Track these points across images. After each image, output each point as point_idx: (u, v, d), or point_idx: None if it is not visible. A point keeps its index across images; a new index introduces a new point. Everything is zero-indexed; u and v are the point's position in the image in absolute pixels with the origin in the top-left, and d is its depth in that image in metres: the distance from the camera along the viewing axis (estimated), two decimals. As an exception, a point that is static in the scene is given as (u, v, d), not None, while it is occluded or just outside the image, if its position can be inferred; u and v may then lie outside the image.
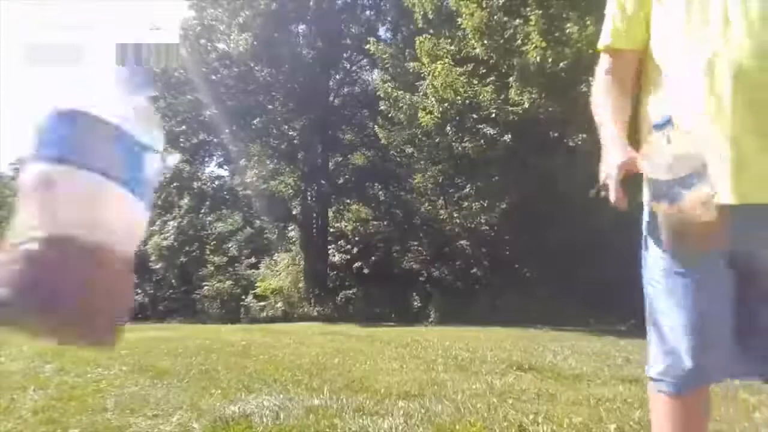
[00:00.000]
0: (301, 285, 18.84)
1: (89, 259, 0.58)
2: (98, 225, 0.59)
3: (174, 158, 19.87)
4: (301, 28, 18.98)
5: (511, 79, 10.61)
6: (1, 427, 2.65)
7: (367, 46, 14.64)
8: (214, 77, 17.76)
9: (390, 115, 14.12)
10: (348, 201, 20.47)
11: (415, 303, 16.35)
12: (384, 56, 14.44)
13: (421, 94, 12.75)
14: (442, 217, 16.17)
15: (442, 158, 12.96)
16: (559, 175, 11.56)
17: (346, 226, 20.93)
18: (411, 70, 13.06)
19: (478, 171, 11.98)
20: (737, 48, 1.07)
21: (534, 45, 9.76)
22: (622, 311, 10.20)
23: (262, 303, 19.08)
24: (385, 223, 20.09)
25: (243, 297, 20.33)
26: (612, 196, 1.23)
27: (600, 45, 1.46)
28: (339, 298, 17.45)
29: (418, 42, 12.35)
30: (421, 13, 13.15)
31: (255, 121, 18.49)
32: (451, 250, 15.31)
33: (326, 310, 16.60)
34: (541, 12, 9.82)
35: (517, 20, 10.44)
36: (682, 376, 1.19)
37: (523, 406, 2.96)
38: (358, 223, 20.85)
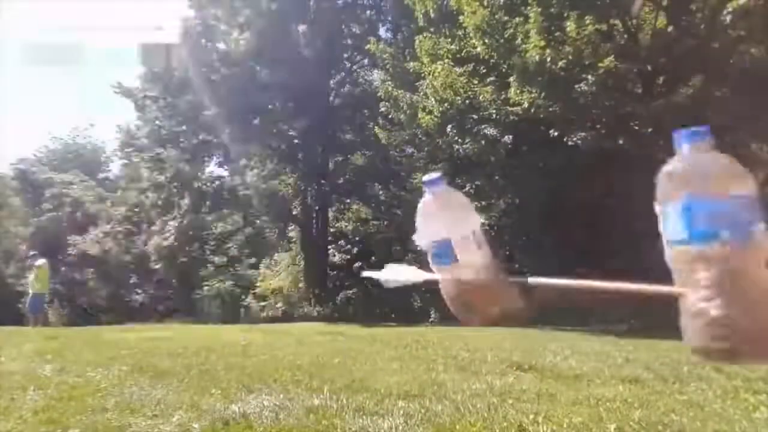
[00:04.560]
0: (301, 285, 18.85)
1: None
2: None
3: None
4: (301, 28, 18.97)
5: (511, 78, 10.62)
6: (1, 427, 2.65)
7: (368, 46, 14.65)
8: (214, 77, 17.76)
9: (390, 116, 14.12)
10: (348, 201, 20.48)
11: (416, 303, 16.35)
12: (384, 56, 14.44)
13: (421, 94, 12.75)
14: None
15: (442, 158, 12.96)
16: (558, 175, 11.58)
17: (346, 226, 20.94)
18: (411, 70, 13.07)
19: (478, 171, 11.99)
20: None
21: (533, 44, 9.76)
22: (622, 311, 10.20)
23: (262, 303, 19.09)
24: (385, 223, 20.09)
25: (243, 297, 20.35)
26: None
27: None
28: (339, 298, 17.47)
29: (418, 41, 12.35)
30: (423, 11, 13.16)
31: (255, 121, 18.49)
32: (451, 250, 15.27)
33: (326, 310, 16.61)
34: (540, 10, 9.82)
35: (517, 18, 10.44)
36: None
37: (523, 406, 2.95)
38: (358, 223, 20.85)
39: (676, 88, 9.51)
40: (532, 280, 0.92)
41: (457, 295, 0.96)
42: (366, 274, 1.34)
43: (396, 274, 1.07)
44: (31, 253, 12.83)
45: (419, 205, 0.96)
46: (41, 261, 11.88)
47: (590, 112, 10.39)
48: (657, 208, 0.71)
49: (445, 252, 0.94)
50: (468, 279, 0.94)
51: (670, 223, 0.69)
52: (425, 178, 0.95)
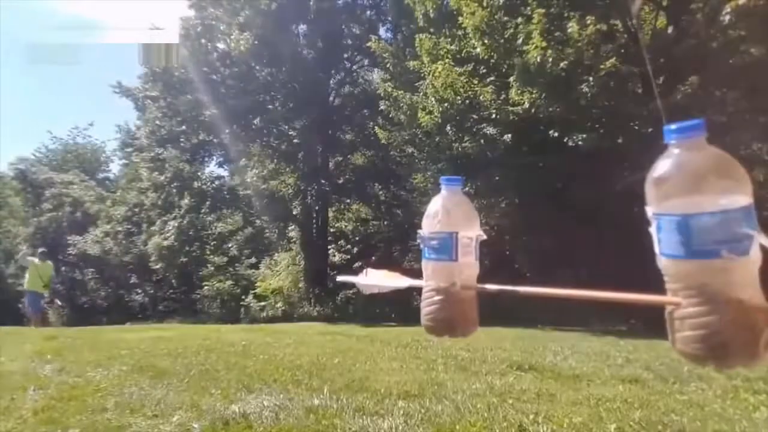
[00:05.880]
0: (301, 285, 18.84)
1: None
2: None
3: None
4: (302, 28, 18.99)
5: (511, 78, 10.62)
6: (1, 426, 2.66)
7: (369, 44, 14.65)
8: (214, 77, 17.76)
9: (390, 115, 14.12)
10: (348, 201, 20.48)
11: (415, 303, 16.32)
12: (385, 54, 14.44)
13: (422, 94, 12.75)
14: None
15: (442, 158, 12.96)
16: (558, 175, 11.58)
17: (346, 226, 20.94)
18: (411, 69, 13.06)
19: (478, 171, 11.99)
20: None
21: (535, 45, 9.77)
22: (622, 311, 10.20)
23: (262, 303, 19.08)
24: (385, 223, 20.09)
25: (243, 297, 20.35)
26: None
27: None
28: (339, 298, 17.46)
29: (418, 41, 12.34)
30: (422, 11, 13.15)
31: (255, 121, 18.49)
32: (451, 250, 15.27)
33: (326, 310, 16.60)
34: (542, 11, 9.83)
35: (519, 19, 10.45)
36: None
37: (523, 406, 2.95)
38: (358, 223, 20.85)
39: (676, 87, 9.52)
40: (523, 289, 0.88)
41: (443, 308, 0.91)
42: (341, 278, 1.34)
43: (375, 280, 1.07)
44: (41, 250, 12.81)
45: (434, 198, 0.95)
46: (37, 259, 11.96)
47: (591, 112, 10.39)
48: (648, 212, 0.66)
49: (447, 247, 0.90)
50: (460, 291, 0.91)
51: (664, 234, 0.64)
52: (444, 177, 0.96)
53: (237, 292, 21.57)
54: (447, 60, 11.79)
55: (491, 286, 0.90)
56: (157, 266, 23.19)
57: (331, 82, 19.95)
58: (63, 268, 26.30)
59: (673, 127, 0.64)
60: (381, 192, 19.97)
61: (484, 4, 10.86)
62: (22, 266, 11.87)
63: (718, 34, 9.70)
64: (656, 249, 0.66)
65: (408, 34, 15.00)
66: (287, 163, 19.29)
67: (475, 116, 11.70)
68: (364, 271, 1.08)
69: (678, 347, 0.66)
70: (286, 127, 18.72)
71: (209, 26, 17.70)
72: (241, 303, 19.98)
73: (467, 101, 11.54)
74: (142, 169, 23.93)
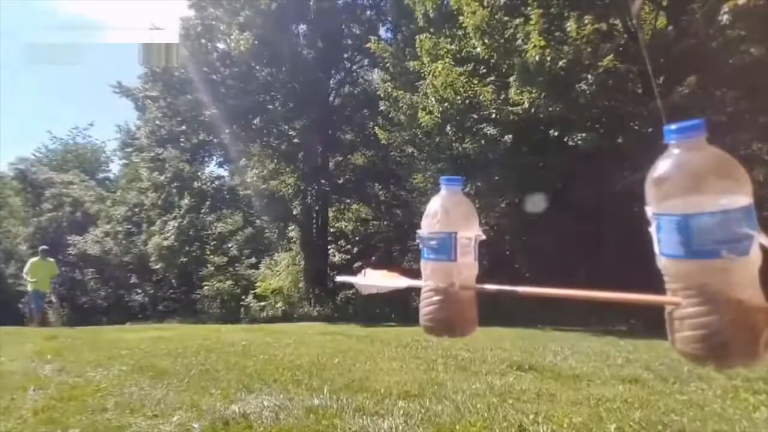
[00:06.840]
0: (301, 285, 18.84)
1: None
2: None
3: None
4: (302, 28, 18.98)
5: (511, 78, 10.62)
6: (1, 426, 2.66)
7: (369, 45, 14.65)
8: (214, 77, 17.75)
9: (390, 115, 14.12)
10: (348, 201, 20.48)
11: (415, 303, 16.29)
12: (385, 55, 14.44)
13: (422, 93, 12.75)
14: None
15: (442, 158, 12.96)
16: (558, 175, 11.57)
17: (346, 226, 20.94)
18: (411, 69, 13.06)
19: (478, 171, 11.99)
20: None
21: (533, 44, 9.77)
22: (622, 311, 10.20)
23: (262, 303, 19.08)
24: (385, 223, 20.09)
25: (243, 297, 20.35)
26: None
27: None
28: (339, 298, 17.46)
29: (418, 41, 12.34)
30: (422, 11, 13.14)
31: (255, 121, 18.48)
32: (451, 250, 15.25)
33: (326, 310, 16.60)
34: (541, 11, 9.83)
35: (518, 19, 10.45)
36: None
37: (523, 406, 2.95)
38: (358, 223, 20.85)
39: (675, 87, 9.52)
40: (522, 289, 0.88)
41: (442, 308, 0.91)
42: (340, 279, 1.34)
43: (374, 280, 1.07)
44: (42, 248, 12.82)
45: (433, 198, 0.95)
46: (36, 258, 11.99)
47: (590, 112, 10.39)
48: (648, 212, 0.66)
49: (446, 247, 0.90)
50: (459, 292, 0.90)
51: (664, 234, 0.64)
52: (444, 177, 0.95)
53: (237, 292, 21.56)
54: (447, 60, 11.78)
55: (490, 286, 0.90)
56: (157, 266, 23.18)
57: (331, 82, 19.95)
58: (63, 268, 26.29)
59: (673, 127, 0.64)
60: (381, 192, 19.97)
61: (485, 3, 10.86)
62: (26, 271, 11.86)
63: (717, 34, 9.71)
64: (656, 249, 0.66)
65: (408, 34, 14.99)
66: (287, 163, 19.28)
67: (475, 116, 11.69)
68: (363, 271, 1.08)
69: (678, 347, 0.66)
70: (286, 127, 18.72)
71: (209, 26, 17.69)
72: (241, 303, 19.97)
73: (467, 101, 11.54)
74: (142, 169, 23.93)
